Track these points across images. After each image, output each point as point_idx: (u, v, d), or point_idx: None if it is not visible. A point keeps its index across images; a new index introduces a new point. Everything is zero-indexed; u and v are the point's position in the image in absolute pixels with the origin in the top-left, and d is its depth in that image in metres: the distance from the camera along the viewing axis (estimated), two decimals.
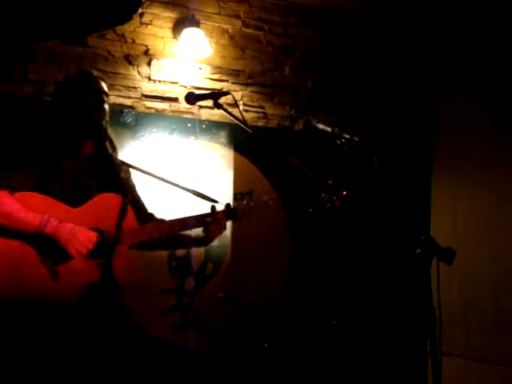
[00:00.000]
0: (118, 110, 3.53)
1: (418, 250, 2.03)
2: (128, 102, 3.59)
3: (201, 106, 3.74)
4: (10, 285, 2.14)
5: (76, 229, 2.22)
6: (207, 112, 3.77)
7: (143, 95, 3.64)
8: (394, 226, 2.30)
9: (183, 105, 3.66)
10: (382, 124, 4.26)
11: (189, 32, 3.62)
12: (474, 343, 3.92)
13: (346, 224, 3.96)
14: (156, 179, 2.59)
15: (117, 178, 2.49)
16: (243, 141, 3.76)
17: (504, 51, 3.91)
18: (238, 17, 3.92)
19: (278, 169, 3.86)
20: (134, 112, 3.58)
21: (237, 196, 2.61)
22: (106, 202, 2.33)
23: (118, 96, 3.56)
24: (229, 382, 3.64)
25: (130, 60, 3.61)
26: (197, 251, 3.67)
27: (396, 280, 4.13)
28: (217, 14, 3.86)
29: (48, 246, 2.20)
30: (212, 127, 3.77)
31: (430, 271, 2.02)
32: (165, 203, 3.34)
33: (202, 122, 3.75)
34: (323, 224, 3.91)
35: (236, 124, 2.35)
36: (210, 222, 2.46)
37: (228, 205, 2.55)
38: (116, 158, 2.53)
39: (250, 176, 3.83)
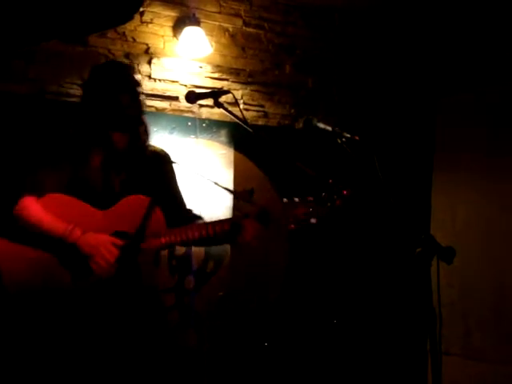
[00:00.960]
0: None
1: (418, 249, 2.03)
2: None
3: (201, 105, 3.73)
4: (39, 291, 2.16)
5: (99, 241, 2.17)
6: (207, 111, 3.76)
7: (143, 94, 3.62)
8: (395, 225, 2.29)
9: (183, 104, 3.65)
10: (383, 123, 4.25)
11: (189, 31, 3.62)
12: (474, 342, 3.92)
13: (346, 222, 3.96)
14: (193, 175, 2.56)
15: (149, 173, 2.42)
16: (243, 140, 3.76)
17: (506, 51, 3.91)
18: (238, 15, 3.92)
19: (278, 167, 3.86)
20: None
21: (236, 194, 2.56)
22: (134, 205, 2.28)
23: None
24: (229, 380, 3.64)
25: (130, 59, 3.60)
26: (197, 250, 3.67)
27: (396, 279, 4.13)
28: (217, 12, 3.86)
29: (72, 256, 2.18)
30: (212, 126, 3.77)
31: (430, 270, 2.02)
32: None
33: (202, 120, 3.75)
34: (323, 222, 3.94)
35: (236, 123, 2.35)
36: (241, 226, 2.33)
37: (262, 208, 2.34)
38: (148, 147, 2.47)
39: (250, 174, 3.83)
